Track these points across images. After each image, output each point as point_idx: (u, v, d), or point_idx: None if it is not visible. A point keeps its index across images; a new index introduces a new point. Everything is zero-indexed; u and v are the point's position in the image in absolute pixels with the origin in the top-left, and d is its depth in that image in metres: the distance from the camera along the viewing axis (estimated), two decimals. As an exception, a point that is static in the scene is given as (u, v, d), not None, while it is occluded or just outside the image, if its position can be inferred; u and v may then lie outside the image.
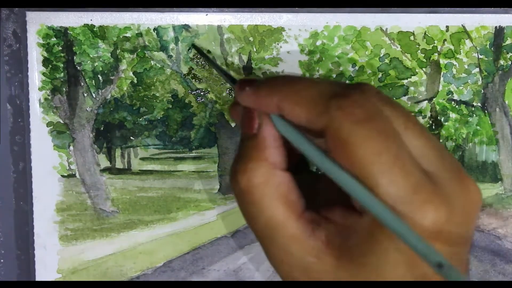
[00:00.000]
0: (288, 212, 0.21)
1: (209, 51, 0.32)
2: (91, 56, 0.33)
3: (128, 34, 0.32)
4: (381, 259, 0.19)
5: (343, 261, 0.20)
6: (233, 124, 0.34)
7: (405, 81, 0.34)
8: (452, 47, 0.34)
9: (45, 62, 0.32)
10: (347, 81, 0.34)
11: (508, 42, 0.33)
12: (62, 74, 0.33)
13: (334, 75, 0.33)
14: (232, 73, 0.33)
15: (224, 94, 0.33)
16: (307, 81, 0.22)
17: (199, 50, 0.32)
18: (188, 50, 0.32)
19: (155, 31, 0.33)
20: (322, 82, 0.22)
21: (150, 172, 0.34)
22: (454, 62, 0.34)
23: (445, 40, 0.33)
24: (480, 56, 0.34)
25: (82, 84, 0.33)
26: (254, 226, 0.22)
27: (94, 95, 0.33)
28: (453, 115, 0.34)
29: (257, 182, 0.21)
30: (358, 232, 0.20)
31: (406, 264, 0.19)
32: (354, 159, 0.19)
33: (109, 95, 0.33)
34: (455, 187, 0.20)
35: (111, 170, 0.34)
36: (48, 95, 0.33)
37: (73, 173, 0.33)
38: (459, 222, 0.19)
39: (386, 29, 0.33)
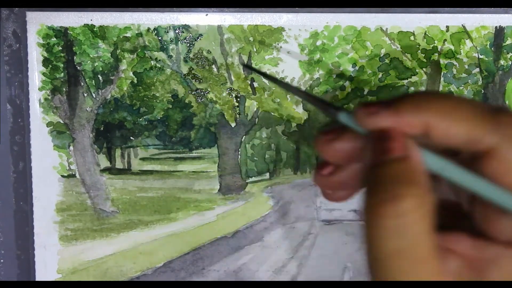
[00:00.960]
0: (432, 246, 0.18)
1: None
2: (91, 56, 0.33)
3: (128, 34, 0.32)
4: None
5: None
6: (233, 124, 0.34)
7: (405, 81, 0.34)
8: (452, 47, 0.34)
9: (45, 62, 0.32)
10: (346, 82, 0.33)
11: (508, 42, 0.33)
12: (62, 74, 0.33)
13: (334, 75, 0.33)
14: (232, 73, 0.33)
15: (224, 94, 0.33)
16: (457, 97, 0.19)
17: (254, 70, 0.32)
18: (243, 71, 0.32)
19: (155, 31, 0.33)
20: (472, 100, 0.20)
21: (150, 172, 0.34)
22: (454, 62, 0.34)
23: (445, 40, 0.33)
24: (480, 56, 0.34)
25: (82, 84, 0.33)
26: (393, 267, 0.18)
27: (94, 95, 0.33)
28: (453, 115, 0.34)
29: (423, 211, 0.18)
30: (501, 266, 0.18)
31: None
32: None
33: (109, 95, 0.33)
34: None
35: (111, 170, 0.34)
36: (48, 95, 0.33)
37: (73, 173, 0.33)
38: None
39: (386, 29, 0.33)
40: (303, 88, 0.31)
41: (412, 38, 0.33)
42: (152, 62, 0.33)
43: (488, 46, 0.33)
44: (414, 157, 0.18)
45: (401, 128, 0.19)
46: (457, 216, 0.20)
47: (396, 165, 0.18)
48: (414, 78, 0.34)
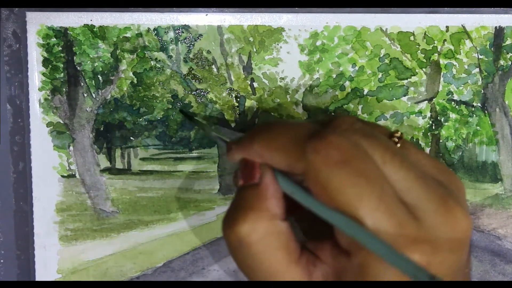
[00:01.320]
0: (288, 260, 0.21)
1: (195, 116, 0.33)
2: (91, 56, 0.33)
3: (128, 34, 0.32)
4: None
5: None
6: (233, 124, 0.34)
7: (405, 81, 0.34)
8: (452, 47, 0.34)
9: (45, 62, 0.32)
10: (346, 82, 0.34)
11: (508, 42, 0.33)
12: (62, 74, 0.33)
13: (334, 75, 0.33)
14: (232, 73, 0.33)
15: (224, 94, 0.33)
16: (284, 125, 0.22)
17: (186, 115, 0.33)
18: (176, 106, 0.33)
19: (155, 32, 0.33)
20: (299, 125, 0.21)
21: (150, 172, 0.34)
22: (454, 62, 0.34)
23: (445, 40, 0.33)
24: (480, 56, 0.34)
25: (82, 84, 0.33)
26: (252, 275, 0.22)
27: (94, 95, 0.33)
28: (453, 115, 0.34)
29: (259, 234, 0.21)
30: (349, 272, 0.20)
31: None
32: (337, 204, 0.19)
33: (109, 95, 0.33)
34: (440, 218, 0.20)
35: (111, 170, 0.34)
36: (48, 95, 0.33)
37: (73, 173, 0.33)
38: (447, 252, 0.19)
39: (386, 29, 0.33)
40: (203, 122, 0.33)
41: (412, 38, 0.33)
42: (152, 62, 0.33)
43: (488, 46, 0.33)
44: (265, 186, 0.22)
45: (252, 158, 0.23)
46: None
47: (248, 191, 0.22)
48: (414, 78, 0.34)
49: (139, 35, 0.32)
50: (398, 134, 0.22)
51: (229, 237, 0.22)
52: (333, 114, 0.33)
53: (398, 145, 0.22)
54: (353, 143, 0.20)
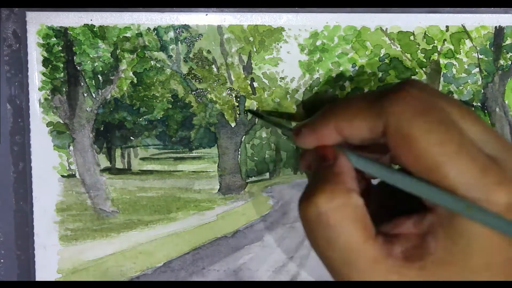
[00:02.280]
0: (366, 235, 0.21)
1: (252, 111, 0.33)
2: (91, 56, 0.33)
3: (128, 34, 0.32)
4: (467, 252, 0.19)
5: (429, 269, 0.20)
6: (233, 124, 0.34)
7: (405, 81, 0.34)
8: (452, 47, 0.34)
9: (45, 62, 0.32)
10: (346, 82, 0.34)
11: (508, 42, 0.33)
12: (62, 74, 0.33)
13: (334, 75, 0.33)
14: (232, 73, 0.33)
15: (224, 94, 0.33)
16: (354, 96, 0.23)
17: (252, 112, 0.33)
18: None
19: (155, 31, 0.33)
20: (368, 92, 0.22)
21: (150, 172, 0.34)
22: (454, 62, 0.34)
23: (445, 40, 0.33)
24: (480, 56, 0.34)
25: (82, 84, 0.33)
26: (329, 251, 0.21)
27: (94, 95, 0.33)
28: (453, 115, 0.34)
29: (337, 204, 0.21)
30: (436, 233, 0.20)
31: (493, 248, 0.19)
32: (419, 152, 0.19)
33: (109, 95, 0.33)
34: None
35: (111, 170, 0.34)
36: (48, 95, 0.33)
37: (73, 173, 0.33)
38: None
39: (386, 29, 0.33)
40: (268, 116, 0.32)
41: (412, 38, 0.33)
42: (152, 62, 0.33)
43: (487, 46, 0.33)
44: (340, 164, 0.22)
45: (324, 142, 0.23)
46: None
47: (324, 170, 0.23)
48: (414, 78, 0.34)
49: (139, 35, 0.32)
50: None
51: (307, 210, 0.21)
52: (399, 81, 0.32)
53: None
54: (430, 97, 0.20)
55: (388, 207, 0.24)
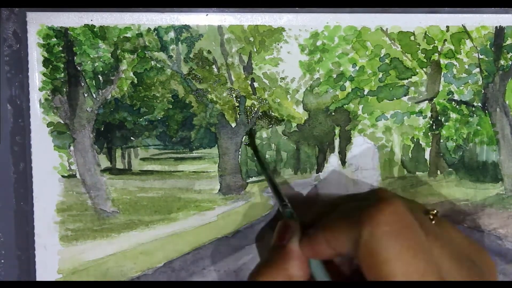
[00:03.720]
0: None
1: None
2: (92, 56, 0.33)
3: (129, 35, 0.32)
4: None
5: None
6: (233, 125, 0.34)
7: (405, 81, 0.34)
8: (452, 47, 0.34)
9: (46, 62, 0.32)
10: (346, 82, 0.34)
11: (508, 42, 0.33)
12: (62, 75, 0.33)
13: (334, 75, 0.33)
14: (232, 73, 0.33)
15: (224, 94, 0.33)
16: (340, 209, 0.24)
17: (252, 141, 0.34)
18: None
19: (156, 32, 0.33)
20: (349, 206, 0.23)
21: (151, 172, 0.34)
22: (455, 62, 0.34)
23: (445, 40, 0.33)
24: (480, 56, 0.34)
25: (83, 84, 0.33)
26: None
27: (94, 95, 0.33)
28: (453, 115, 0.34)
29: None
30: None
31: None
32: (383, 274, 0.20)
33: (110, 95, 0.33)
34: None
35: (112, 171, 0.34)
36: (48, 95, 0.33)
37: (74, 173, 0.33)
38: None
39: (387, 29, 0.33)
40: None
41: (412, 38, 0.33)
42: (153, 63, 0.33)
43: (488, 46, 0.33)
44: (290, 249, 0.24)
45: (318, 257, 0.24)
46: None
47: (275, 251, 0.24)
48: (414, 78, 0.34)
49: (140, 35, 0.32)
50: (434, 212, 0.24)
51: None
52: (372, 189, 0.34)
53: (433, 222, 0.24)
54: (406, 216, 0.21)
55: None
